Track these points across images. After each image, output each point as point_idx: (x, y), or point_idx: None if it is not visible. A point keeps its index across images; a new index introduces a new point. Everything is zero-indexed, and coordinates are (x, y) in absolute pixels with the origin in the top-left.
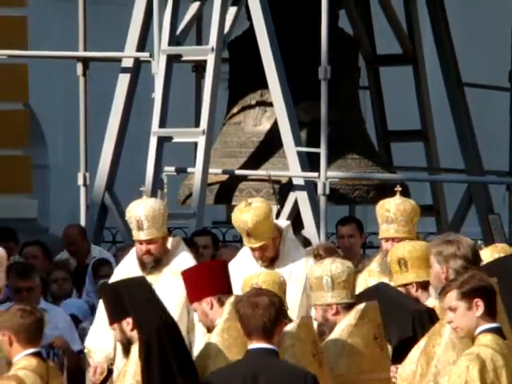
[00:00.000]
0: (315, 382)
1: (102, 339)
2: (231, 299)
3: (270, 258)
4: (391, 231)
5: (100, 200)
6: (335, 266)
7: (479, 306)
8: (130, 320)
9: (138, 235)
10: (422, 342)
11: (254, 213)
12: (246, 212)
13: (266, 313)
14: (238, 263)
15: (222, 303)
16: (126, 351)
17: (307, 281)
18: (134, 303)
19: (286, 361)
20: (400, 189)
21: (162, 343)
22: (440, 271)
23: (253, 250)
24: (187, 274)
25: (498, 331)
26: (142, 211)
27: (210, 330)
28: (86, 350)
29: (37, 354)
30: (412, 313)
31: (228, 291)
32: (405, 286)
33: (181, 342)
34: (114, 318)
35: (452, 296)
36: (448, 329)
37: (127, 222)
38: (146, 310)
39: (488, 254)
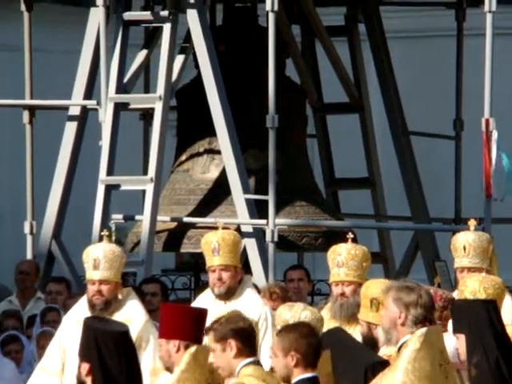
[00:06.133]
0: None
1: None
2: (192, 349)
3: (226, 290)
4: (341, 275)
5: (47, 249)
6: (304, 315)
7: (232, 348)
8: (87, 366)
9: (91, 275)
10: None
11: (226, 232)
12: (218, 232)
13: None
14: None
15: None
16: None
17: (265, 323)
18: (99, 353)
19: None
20: (352, 236)
21: None
22: (397, 316)
23: (213, 271)
24: (167, 309)
25: (257, 363)
26: (101, 251)
27: (168, 369)
28: None
29: None
30: (365, 366)
31: (198, 341)
32: (368, 322)
33: None
34: (79, 355)
35: (210, 338)
36: (403, 370)
37: (83, 262)
38: (106, 364)
39: (477, 285)
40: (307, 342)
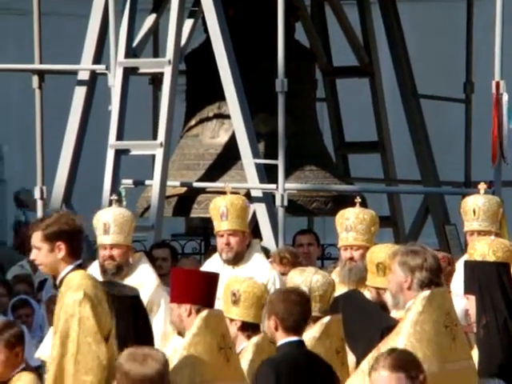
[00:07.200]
0: None
1: None
2: (204, 313)
3: (234, 255)
4: (350, 239)
5: None
6: (316, 279)
7: (61, 250)
8: None
9: (102, 239)
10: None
11: (234, 197)
12: (226, 196)
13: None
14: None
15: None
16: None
17: (273, 287)
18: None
19: None
20: (360, 200)
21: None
22: (403, 280)
23: (221, 235)
24: (179, 274)
25: (80, 267)
26: (110, 216)
27: (180, 333)
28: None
29: None
30: (382, 329)
31: (209, 305)
32: (377, 288)
33: None
34: None
35: (37, 237)
36: (405, 334)
37: (93, 228)
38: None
39: (486, 249)
40: (286, 307)
